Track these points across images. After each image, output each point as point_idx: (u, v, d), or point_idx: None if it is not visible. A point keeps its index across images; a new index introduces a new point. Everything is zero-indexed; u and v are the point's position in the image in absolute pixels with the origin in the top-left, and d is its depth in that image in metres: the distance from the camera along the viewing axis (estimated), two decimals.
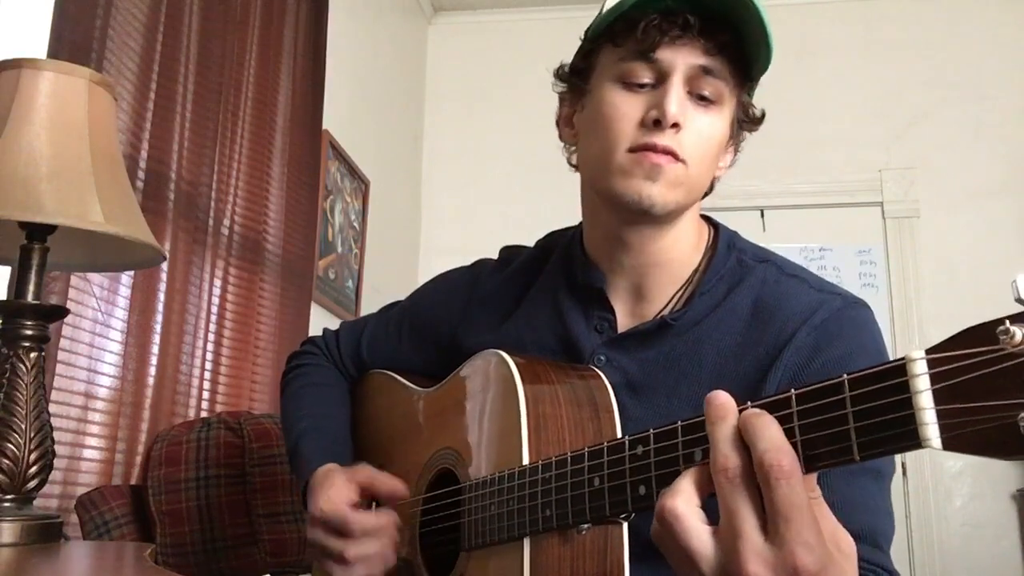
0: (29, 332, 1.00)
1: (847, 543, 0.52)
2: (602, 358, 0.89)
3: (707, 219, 0.95)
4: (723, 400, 0.54)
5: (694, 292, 0.88)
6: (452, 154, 3.92)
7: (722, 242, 0.91)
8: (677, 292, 0.90)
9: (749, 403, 0.54)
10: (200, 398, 1.99)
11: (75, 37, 1.58)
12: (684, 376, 0.85)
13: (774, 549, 0.49)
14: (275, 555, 1.59)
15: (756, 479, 0.50)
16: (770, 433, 0.50)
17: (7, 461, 0.96)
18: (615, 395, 0.84)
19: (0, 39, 1.49)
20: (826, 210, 3.57)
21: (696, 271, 0.90)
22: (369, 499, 0.96)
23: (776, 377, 0.81)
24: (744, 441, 0.51)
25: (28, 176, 0.98)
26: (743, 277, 0.88)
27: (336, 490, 0.92)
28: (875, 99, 3.62)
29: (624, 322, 0.91)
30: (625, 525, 0.74)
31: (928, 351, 0.45)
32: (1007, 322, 0.42)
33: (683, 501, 0.53)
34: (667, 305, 0.90)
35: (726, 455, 0.52)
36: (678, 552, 0.53)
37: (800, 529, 0.49)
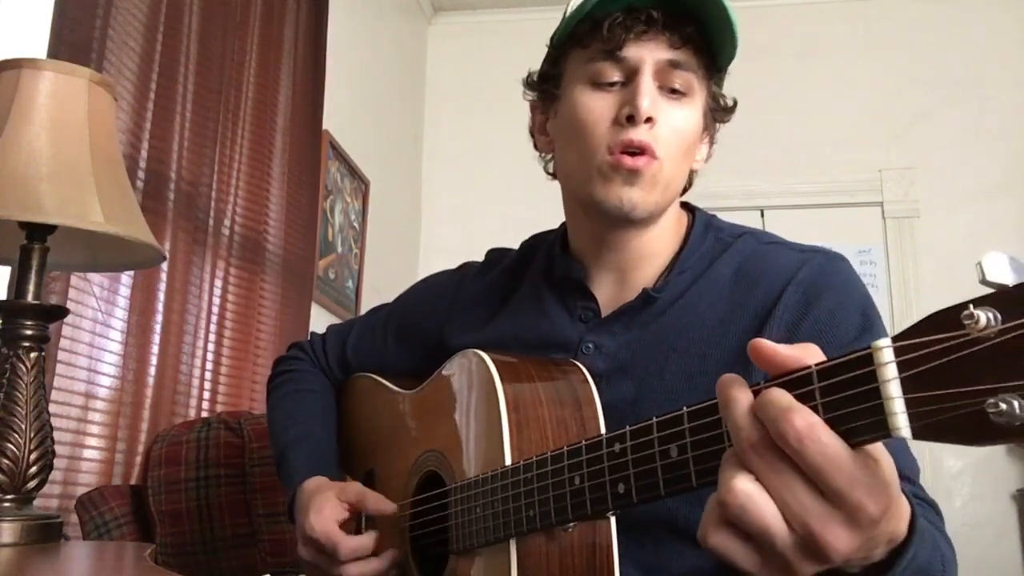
0: (29, 332, 1.00)
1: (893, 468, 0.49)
2: (590, 346, 0.89)
3: (685, 205, 0.96)
4: (731, 379, 0.51)
5: (673, 269, 0.89)
6: (452, 154, 3.92)
7: (699, 223, 0.93)
8: (659, 276, 0.90)
9: None
10: (200, 398, 1.99)
11: (75, 37, 1.58)
12: (673, 350, 0.85)
13: (838, 506, 0.46)
14: (275, 555, 1.59)
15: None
16: (773, 398, 0.47)
17: (7, 461, 0.96)
18: (607, 383, 0.85)
19: (0, 39, 1.49)
20: (826, 210, 3.57)
21: (676, 253, 0.91)
22: (358, 515, 0.96)
23: (770, 337, 0.80)
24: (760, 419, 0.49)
25: (28, 176, 0.98)
26: (722, 251, 0.90)
27: (328, 510, 0.93)
28: (875, 99, 3.62)
29: (608, 309, 0.91)
30: (613, 518, 0.74)
31: (894, 339, 0.45)
32: (971, 306, 0.41)
33: (747, 480, 0.48)
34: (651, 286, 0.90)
35: (747, 429, 0.48)
36: (752, 540, 0.48)
37: (852, 476, 0.46)
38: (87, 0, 1.64)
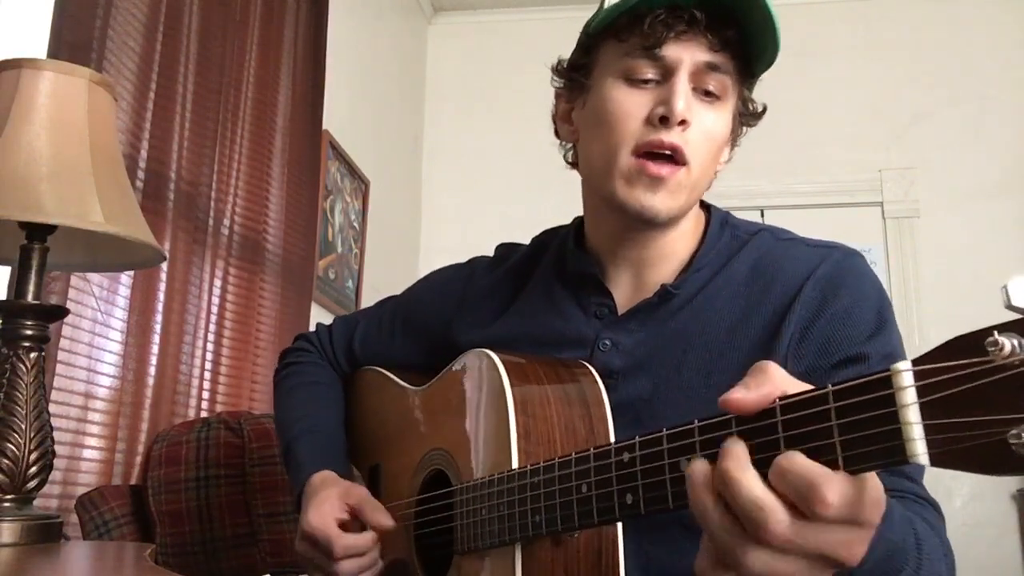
0: (29, 332, 1.00)
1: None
2: (607, 343, 0.88)
3: (701, 203, 0.95)
4: (733, 450, 0.52)
5: (690, 267, 0.89)
6: (452, 154, 3.92)
7: (715, 221, 0.92)
8: (677, 274, 0.90)
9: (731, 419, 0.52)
10: (200, 398, 1.99)
11: (75, 37, 1.58)
12: (690, 346, 0.85)
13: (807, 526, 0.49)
14: (275, 555, 1.59)
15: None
16: (743, 490, 0.50)
17: (7, 461, 0.96)
18: (624, 380, 0.84)
19: (0, 39, 1.49)
20: (826, 210, 3.57)
21: (694, 252, 0.90)
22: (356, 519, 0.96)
23: (788, 332, 0.81)
24: None
25: (28, 176, 0.98)
26: (739, 249, 0.89)
27: (328, 506, 0.93)
28: (875, 99, 3.62)
29: (623, 306, 0.90)
30: (619, 524, 0.74)
31: (915, 362, 0.44)
32: (995, 333, 0.40)
33: (763, 554, 0.51)
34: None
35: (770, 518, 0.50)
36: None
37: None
38: (87, 0, 1.64)
